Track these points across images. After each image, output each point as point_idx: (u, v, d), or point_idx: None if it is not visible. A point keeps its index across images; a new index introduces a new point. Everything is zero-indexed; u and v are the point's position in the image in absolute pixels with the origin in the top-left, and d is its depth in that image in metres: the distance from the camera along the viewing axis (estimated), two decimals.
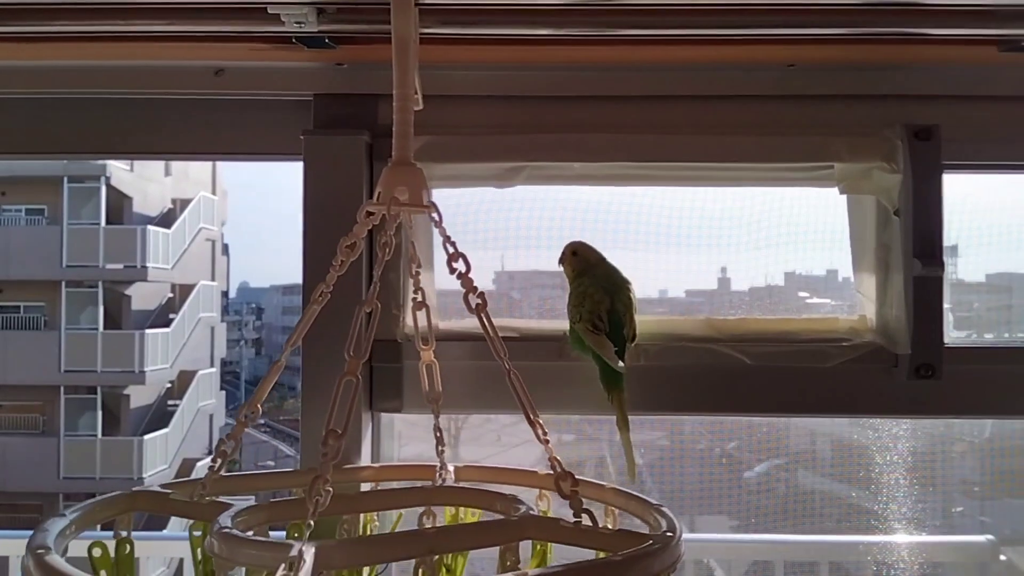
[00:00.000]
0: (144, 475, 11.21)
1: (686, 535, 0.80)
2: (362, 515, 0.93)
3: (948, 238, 1.08)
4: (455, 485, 0.94)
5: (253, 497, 0.98)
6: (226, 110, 1.13)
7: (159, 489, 0.85)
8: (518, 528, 0.75)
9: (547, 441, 0.79)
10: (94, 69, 1.09)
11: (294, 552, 0.59)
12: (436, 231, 0.82)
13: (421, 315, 0.95)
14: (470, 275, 0.80)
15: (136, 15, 0.90)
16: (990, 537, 1.89)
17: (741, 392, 1.11)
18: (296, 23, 0.90)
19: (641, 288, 1.13)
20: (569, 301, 1.08)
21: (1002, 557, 1.82)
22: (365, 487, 0.99)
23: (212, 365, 13.55)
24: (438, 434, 0.97)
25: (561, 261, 1.11)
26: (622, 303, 1.06)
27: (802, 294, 1.65)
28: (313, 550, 0.60)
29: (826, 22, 0.93)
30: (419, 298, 0.96)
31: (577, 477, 0.77)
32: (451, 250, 0.80)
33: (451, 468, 0.96)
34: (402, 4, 0.79)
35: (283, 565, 0.58)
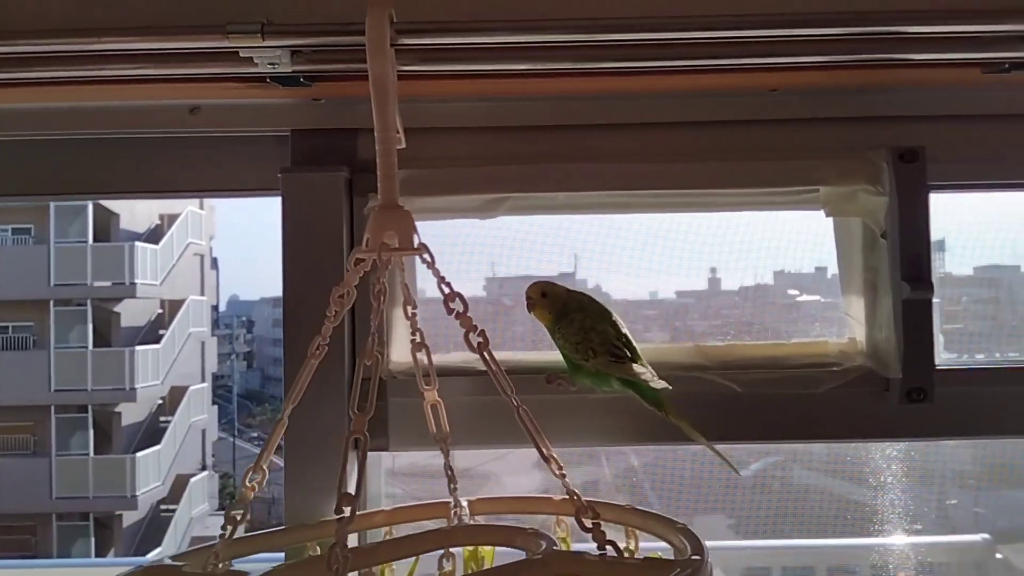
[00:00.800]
0: (137, 492, 11.16)
1: None
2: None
3: (934, 232, 1.08)
4: (472, 524, 0.93)
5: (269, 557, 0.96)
6: (203, 147, 1.11)
7: (171, 563, 0.82)
8: (543, 567, 0.74)
9: (563, 475, 0.78)
10: (67, 111, 1.08)
11: None
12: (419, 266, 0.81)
13: (421, 355, 0.93)
14: (468, 314, 0.78)
15: (106, 61, 0.88)
16: (986, 536, 1.88)
17: (732, 420, 1.10)
18: (270, 64, 0.88)
19: (632, 291, 1.12)
20: (563, 340, 1.03)
21: (998, 555, 1.82)
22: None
23: (203, 380, 13.50)
24: (449, 472, 0.96)
25: (531, 308, 1.05)
26: (621, 328, 1.03)
27: (792, 292, 1.65)
28: None
29: (809, 51, 0.92)
30: (417, 339, 0.94)
31: (595, 501, 0.77)
32: (447, 291, 0.79)
33: (465, 504, 0.95)
34: (378, 46, 0.77)
35: None
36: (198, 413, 13.11)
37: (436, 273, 0.80)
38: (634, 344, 1.02)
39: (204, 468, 13.23)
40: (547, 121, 1.10)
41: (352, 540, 0.98)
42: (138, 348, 11.59)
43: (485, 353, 0.79)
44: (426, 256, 0.80)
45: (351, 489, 0.67)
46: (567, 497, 0.80)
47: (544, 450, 0.78)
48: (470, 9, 0.92)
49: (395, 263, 0.95)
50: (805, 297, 1.59)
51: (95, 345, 11.55)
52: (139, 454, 11.37)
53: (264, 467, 0.82)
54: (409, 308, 0.88)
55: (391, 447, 1.10)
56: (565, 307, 1.03)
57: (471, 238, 1.22)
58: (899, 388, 1.06)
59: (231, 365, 19.59)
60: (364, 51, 0.77)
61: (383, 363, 1.09)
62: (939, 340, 1.09)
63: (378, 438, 1.10)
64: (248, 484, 0.81)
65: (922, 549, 1.85)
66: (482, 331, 0.79)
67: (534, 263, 1.29)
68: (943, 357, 1.10)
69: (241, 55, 0.85)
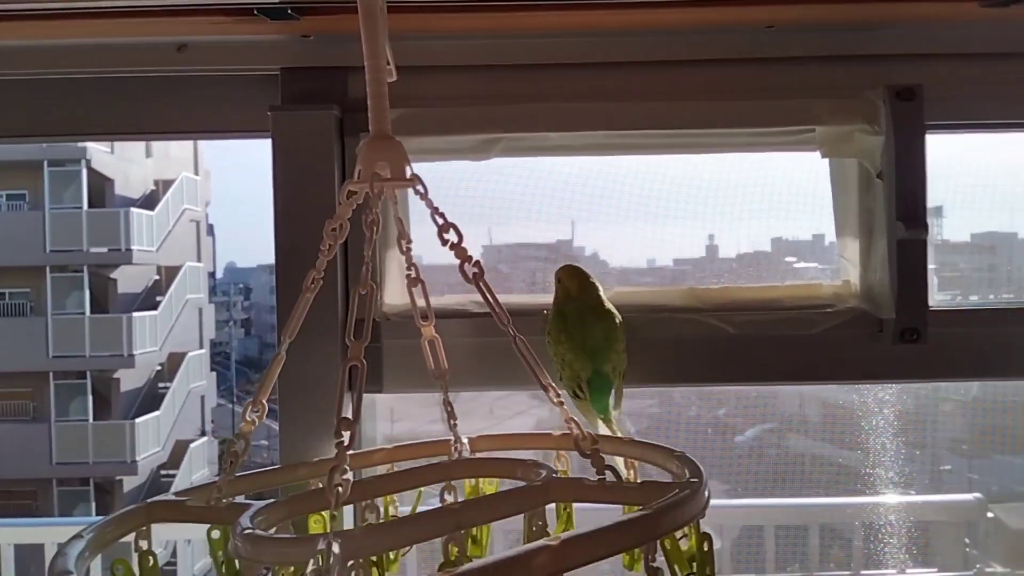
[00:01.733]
0: (137, 458, 11.22)
1: None
2: (381, 498, 0.92)
3: (933, 199, 1.07)
4: (472, 457, 0.93)
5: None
6: (191, 87, 1.10)
7: (175, 498, 0.82)
8: (543, 492, 0.75)
9: (562, 403, 0.79)
10: (52, 49, 1.06)
11: (321, 545, 0.58)
12: (412, 203, 0.80)
13: (417, 291, 0.93)
14: (463, 244, 0.78)
15: None
16: (978, 495, 1.90)
17: (726, 362, 1.10)
18: None
19: (629, 258, 1.12)
20: (549, 338, 1.02)
21: (989, 514, 1.83)
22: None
23: (201, 346, 13.53)
24: (448, 408, 0.95)
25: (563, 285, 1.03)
26: (610, 363, 0.99)
27: (789, 259, 1.65)
28: (340, 540, 0.58)
29: None
30: (413, 274, 0.93)
31: (594, 433, 0.77)
32: (440, 221, 0.78)
33: (465, 440, 0.94)
34: None
35: (311, 561, 0.58)
36: (197, 379, 13.15)
37: (430, 204, 0.79)
38: (619, 381, 1.00)
39: (204, 434, 13.30)
40: (540, 59, 1.08)
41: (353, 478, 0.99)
42: (135, 314, 11.60)
43: (481, 284, 0.78)
44: (419, 187, 0.79)
45: (348, 415, 0.67)
46: (566, 432, 0.80)
47: (542, 379, 0.78)
48: None
49: (388, 197, 0.94)
50: (803, 264, 1.59)
51: (92, 311, 11.56)
52: (138, 420, 11.42)
53: (263, 401, 0.81)
54: (403, 242, 0.87)
55: (386, 389, 1.10)
56: (564, 307, 1.02)
57: (468, 204, 1.21)
58: (892, 329, 1.05)
59: (229, 332, 19.63)
60: None
61: (377, 296, 1.10)
62: (933, 281, 1.09)
63: (373, 381, 1.10)
64: (248, 418, 0.81)
65: (915, 508, 1.87)
66: (477, 262, 0.78)
67: (531, 230, 1.28)
68: (937, 299, 1.10)
69: None
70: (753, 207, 1.26)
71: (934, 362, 1.09)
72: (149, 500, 0.82)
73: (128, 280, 11.95)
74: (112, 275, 11.75)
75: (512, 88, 1.08)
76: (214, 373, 14.41)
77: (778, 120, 1.08)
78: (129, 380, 11.84)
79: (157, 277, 12.47)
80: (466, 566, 0.57)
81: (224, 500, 0.80)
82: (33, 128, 1.13)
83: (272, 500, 0.78)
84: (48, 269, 11.35)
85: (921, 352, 1.06)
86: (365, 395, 1.13)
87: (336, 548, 0.57)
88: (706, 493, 0.68)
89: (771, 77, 1.08)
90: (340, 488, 0.63)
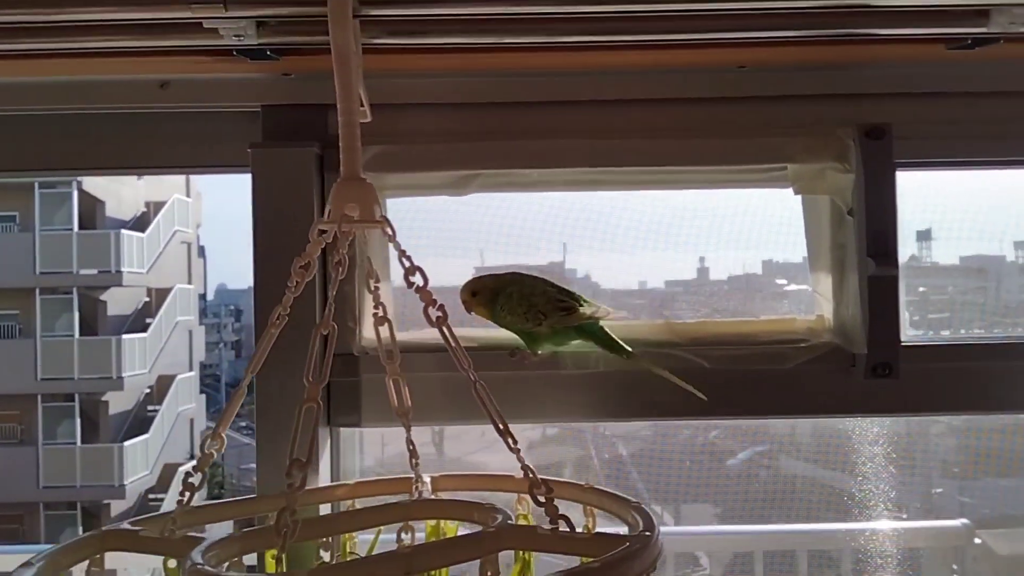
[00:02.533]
0: (125, 482, 11.13)
1: (666, 528, 0.80)
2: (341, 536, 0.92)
3: (920, 223, 1.08)
4: (432, 498, 0.94)
5: (227, 526, 0.96)
6: (174, 123, 1.11)
7: (129, 527, 0.83)
8: (496, 539, 0.74)
9: (518, 450, 0.79)
10: (35, 86, 1.08)
11: None
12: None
13: (384, 330, 0.94)
14: (428, 288, 0.79)
15: (72, 33, 0.88)
16: (965, 521, 1.90)
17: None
18: (235, 36, 0.88)
19: (621, 280, 1.13)
20: (510, 315, 1.04)
21: (977, 540, 1.84)
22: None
23: (191, 369, 13.46)
24: (411, 447, 0.96)
25: (469, 310, 1.07)
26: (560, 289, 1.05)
27: (780, 281, 1.66)
28: None
29: (776, 25, 0.93)
30: (380, 313, 0.95)
31: (552, 480, 0.77)
32: (407, 264, 0.79)
33: (427, 479, 0.96)
34: (339, 18, 0.77)
35: None
36: (186, 402, 13.07)
37: (397, 246, 0.81)
38: (576, 293, 1.05)
39: (192, 457, 13.20)
40: (517, 98, 1.10)
41: (324, 509, 1.00)
42: (125, 337, 11.54)
43: (444, 328, 0.79)
44: (388, 229, 0.81)
45: (302, 456, 0.68)
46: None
47: (499, 424, 0.78)
48: None
49: (359, 236, 0.95)
50: (793, 286, 1.60)
51: (81, 333, 11.50)
52: (127, 443, 11.33)
53: (222, 435, 0.82)
54: (372, 281, 0.89)
55: (363, 423, 1.11)
56: (496, 291, 1.05)
57: (459, 227, 1.23)
58: (865, 364, 1.07)
59: (219, 354, 19.54)
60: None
61: (358, 334, 1.10)
62: (905, 317, 1.11)
63: (351, 414, 1.10)
64: (207, 451, 0.81)
65: (902, 533, 1.87)
66: (441, 305, 0.80)
67: (523, 253, 1.29)
68: (909, 334, 1.12)
69: (205, 26, 0.85)
70: (744, 230, 1.28)
71: (906, 396, 1.10)
72: (104, 528, 0.83)
73: (118, 302, 11.91)
74: (102, 297, 11.71)
75: (489, 125, 1.10)
76: (203, 396, 14.32)
77: (751, 158, 1.10)
78: (118, 403, 11.76)
79: (147, 299, 12.43)
80: None
81: (179, 532, 0.80)
82: (15, 163, 1.14)
83: (226, 535, 0.78)
84: (37, 291, 11.31)
85: (893, 387, 1.08)
86: (346, 428, 1.15)
87: None
88: (658, 547, 0.68)
89: (744, 115, 1.10)
90: (286, 530, 0.64)
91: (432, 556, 0.73)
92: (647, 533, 0.70)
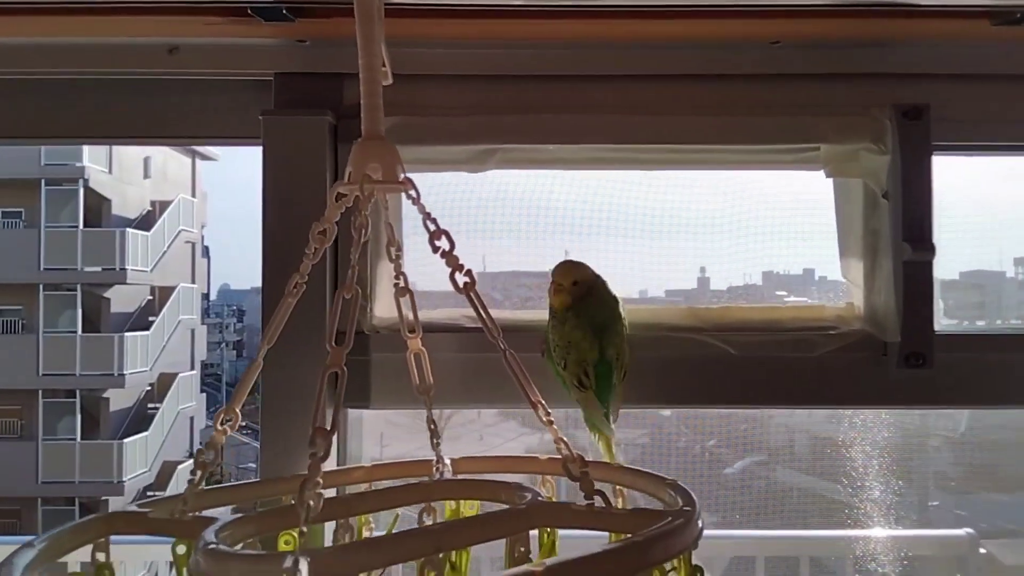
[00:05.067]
0: (124, 479, 11.09)
1: None
2: (355, 519, 0.88)
3: None
4: (454, 478, 0.89)
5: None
6: (181, 90, 1.07)
7: (137, 509, 0.78)
8: (527, 517, 0.71)
9: (551, 422, 0.75)
10: (42, 47, 1.03)
11: (288, 563, 0.53)
12: (405, 213, 0.77)
13: (405, 301, 0.89)
14: (455, 252, 0.74)
15: None
16: (970, 531, 1.86)
17: (726, 383, 1.06)
18: None
19: (621, 289, 1.10)
20: (553, 332, 0.97)
21: (981, 550, 1.80)
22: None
23: (192, 368, 13.42)
24: (432, 427, 0.91)
25: (557, 293, 0.96)
26: (613, 347, 0.95)
27: (780, 293, 1.63)
28: (308, 559, 0.54)
29: None
30: (401, 283, 0.90)
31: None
32: (432, 227, 0.75)
33: (448, 461, 0.91)
34: None
35: None
36: (186, 400, 13.03)
37: (422, 209, 0.76)
38: (620, 370, 0.96)
39: (191, 455, 13.16)
40: (540, 70, 1.06)
41: (330, 495, 0.95)
42: (127, 334, 11.52)
43: (472, 294, 0.75)
44: (412, 191, 0.76)
45: (327, 424, 0.63)
46: (554, 457, 0.76)
47: (531, 396, 0.74)
48: None
49: (379, 202, 0.91)
50: (793, 299, 1.57)
51: (84, 330, 11.47)
52: (126, 440, 11.30)
53: (237, 410, 0.78)
54: (392, 249, 0.84)
55: (373, 404, 1.06)
56: (582, 298, 0.96)
57: (462, 229, 1.18)
58: (897, 353, 1.02)
59: (221, 354, 19.50)
60: None
61: (368, 308, 1.06)
62: (939, 306, 1.06)
63: (360, 396, 1.06)
64: (219, 427, 0.77)
65: (906, 543, 1.83)
66: (469, 271, 0.75)
67: (525, 258, 1.26)
68: (943, 323, 1.07)
69: None
70: (746, 239, 1.24)
71: (939, 388, 1.05)
72: (112, 511, 0.78)
73: (121, 300, 11.89)
74: (105, 294, 11.69)
75: (511, 99, 1.06)
76: (204, 395, 14.28)
77: (782, 137, 1.06)
78: (119, 400, 11.73)
79: (150, 297, 12.41)
80: None
81: (190, 513, 0.76)
82: (15, 131, 1.10)
83: (240, 514, 0.74)
84: (41, 287, 11.29)
85: (926, 377, 1.03)
86: (352, 411, 1.11)
87: (304, 567, 0.53)
88: (699, 523, 0.65)
89: (776, 93, 1.06)
90: (311, 503, 0.59)
91: (462, 533, 0.69)
92: (687, 508, 0.65)
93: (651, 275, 1.29)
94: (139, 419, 11.96)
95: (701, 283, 1.66)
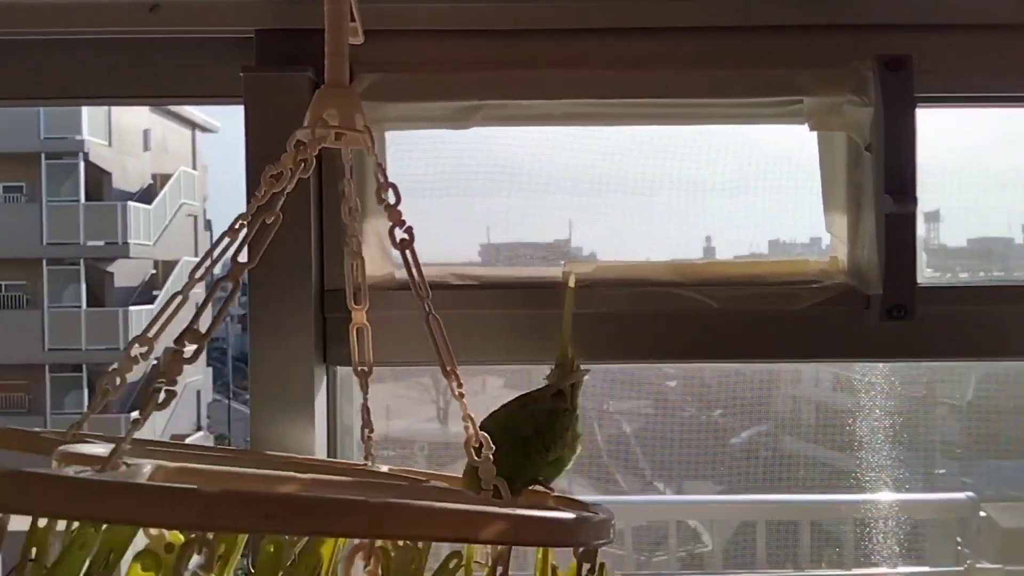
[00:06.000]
0: None
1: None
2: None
3: (929, 202, 1.04)
4: (378, 470, 0.87)
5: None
6: (163, 49, 1.07)
7: (28, 430, 0.81)
8: (416, 494, 0.71)
9: (462, 395, 0.72)
10: (21, 7, 1.03)
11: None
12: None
13: (357, 266, 0.89)
14: (399, 207, 0.74)
15: None
16: (970, 494, 1.88)
17: (708, 338, 1.07)
18: None
19: (625, 258, 1.11)
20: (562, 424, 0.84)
21: (981, 513, 1.81)
22: None
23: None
24: (365, 415, 0.90)
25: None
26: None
27: None
28: (149, 467, 0.60)
29: None
30: (352, 246, 0.90)
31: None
32: (380, 179, 0.75)
33: (384, 467, 0.88)
34: None
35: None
36: (193, 375, 13.11)
37: (376, 159, 0.77)
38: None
39: (199, 429, 13.27)
40: (520, 25, 1.05)
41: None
42: (132, 308, 11.57)
43: (407, 251, 0.74)
44: (367, 140, 0.77)
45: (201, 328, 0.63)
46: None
47: (447, 366, 0.72)
48: None
49: (355, 164, 0.91)
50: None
51: (89, 305, 11.54)
52: (133, 414, 11.37)
53: (154, 343, 0.75)
54: (350, 207, 0.84)
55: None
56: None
57: (463, 208, 1.19)
58: (880, 305, 1.03)
59: (226, 327, 19.57)
60: None
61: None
62: (922, 258, 1.06)
63: (346, 352, 1.07)
64: (132, 355, 0.74)
65: (907, 506, 1.85)
66: (409, 228, 0.75)
67: (528, 231, 1.26)
68: (926, 275, 1.07)
69: None
70: (751, 208, 1.24)
71: (922, 340, 1.06)
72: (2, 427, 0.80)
73: (125, 274, 11.94)
74: (109, 269, 11.73)
75: (492, 54, 1.06)
76: (210, 368, 14.37)
77: (764, 90, 1.05)
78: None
79: (154, 271, 12.46)
80: None
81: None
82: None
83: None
84: (45, 262, 11.33)
85: (909, 330, 1.04)
86: (343, 368, 1.11)
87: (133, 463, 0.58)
88: (596, 529, 0.61)
89: (756, 46, 1.06)
90: (108, 388, 0.63)
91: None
92: (586, 513, 0.63)
93: (656, 245, 1.30)
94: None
95: (707, 252, 1.67)
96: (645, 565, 2.06)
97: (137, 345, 0.74)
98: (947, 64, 1.05)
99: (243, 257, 0.71)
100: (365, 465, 0.89)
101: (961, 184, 1.36)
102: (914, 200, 1.02)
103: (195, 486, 0.47)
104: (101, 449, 0.71)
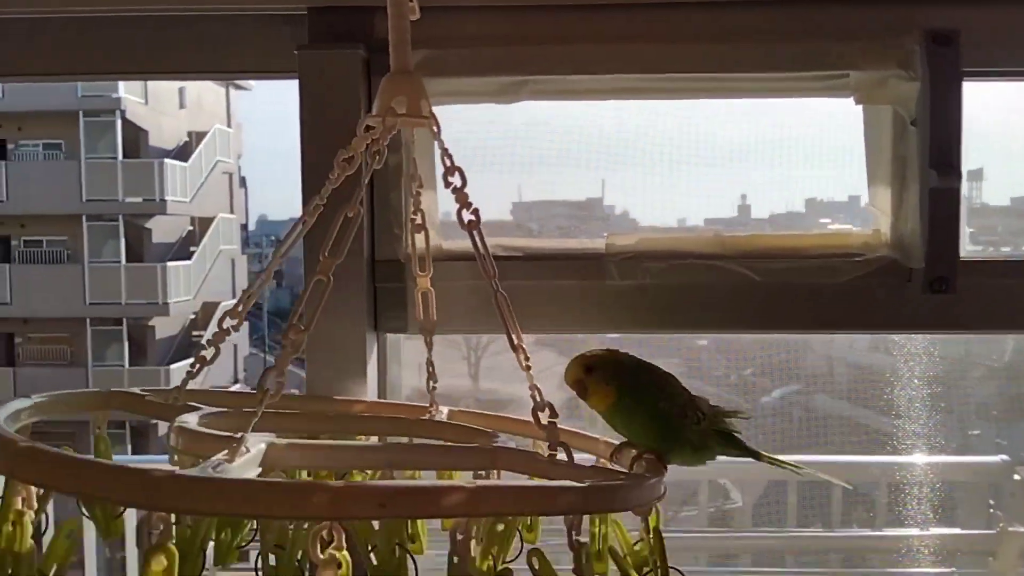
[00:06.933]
0: None
1: None
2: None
3: (972, 161, 1.04)
4: (434, 420, 0.93)
5: None
6: (217, 26, 1.10)
7: (137, 391, 0.87)
8: (489, 457, 0.75)
9: (529, 368, 0.75)
10: None
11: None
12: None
13: (420, 238, 0.93)
14: (466, 190, 0.77)
15: None
16: (1005, 457, 1.89)
17: (750, 309, 1.09)
18: None
19: (659, 216, 1.11)
20: (653, 402, 0.81)
21: (1016, 476, 1.82)
22: None
23: (234, 296, 13.66)
24: (430, 369, 0.96)
25: (585, 396, 0.80)
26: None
27: (823, 220, 1.63)
28: (263, 445, 0.61)
29: None
30: (418, 220, 0.94)
31: (567, 428, 0.76)
32: (448, 163, 0.78)
33: (445, 410, 0.95)
34: None
35: (224, 451, 0.61)
36: None
37: (441, 144, 0.79)
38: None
39: (236, 382, 13.51)
40: (570, 0, 1.06)
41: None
42: (170, 264, 11.74)
43: (474, 232, 0.77)
44: (434, 126, 0.79)
45: (302, 324, 0.67)
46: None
47: (515, 339, 0.76)
48: None
49: (409, 139, 0.94)
50: (837, 226, 1.57)
51: (128, 260, 11.72)
52: (173, 366, 11.62)
53: (239, 311, 0.82)
54: (414, 185, 0.87)
55: (410, 329, 1.11)
56: (634, 373, 0.82)
57: (497, 161, 1.20)
58: (922, 278, 1.04)
59: (261, 283, 19.74)
60: None
61: (405, 240, 1.09)
62: (965, 232, 1.07)
63: (397, 320, 1.11)
64: (224, 327, 0.82)
65: (941, 468, 1.85)
66: (475, 209, 0.78)
67: (561, 188, 1.26)
68: (968, 249, 1.08)
69: None
70: (787, 166, 1.24)
71: (963, 313, 1.07)
72: (112, 389, 0.86)
73: (162, 230, 12.09)
74: (147, 225, 11.89)
75: (540, 29, 1.07)
76: (247, 323, 14.56)
77: (811, 64, 1.06)
78: (164, 328, 12.04)
79: (191, 228, 12.59)
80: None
81: (180, 402, 0.83)
82: (54, 67, 1.14)
83: (224, 409, 0.79)
84: (84, 218, 11.50)
85: (950, 303, 1.05)
86: (390, 336, 1.15)
87: (249, 444, 0.60)
88: (655, 492, 0.67)
89: (804, 20, 1.06)
90: (270, 390, 0.65)
91: (414, 456, 0.76)
92: (647, 476, 0.69)
93: (690, 203, 1.30)
94: (185, 346, 12.28)
95: (742, 211, 1.66)
96: (672, 521, 2.09)
97: (228, 318, 0.82)
98: (994, 38, 1.05)
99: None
100: (429, 409, 0.95)
101: (1005, 145, 1.35)
102: (959, 175, 1.02)
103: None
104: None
